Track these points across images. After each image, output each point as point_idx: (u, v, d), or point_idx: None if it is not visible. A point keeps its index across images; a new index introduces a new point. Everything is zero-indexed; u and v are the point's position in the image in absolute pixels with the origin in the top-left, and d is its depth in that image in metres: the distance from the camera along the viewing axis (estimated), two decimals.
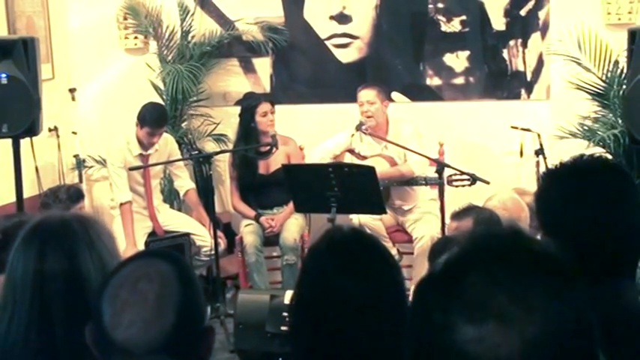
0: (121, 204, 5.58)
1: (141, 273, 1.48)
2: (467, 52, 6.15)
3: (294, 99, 6.39)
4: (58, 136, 6.28)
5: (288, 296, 3.03)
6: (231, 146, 6.10)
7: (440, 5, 6.15)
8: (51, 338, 1.66)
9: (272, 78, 6.46)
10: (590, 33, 5.58)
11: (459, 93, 6.22)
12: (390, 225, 5.72)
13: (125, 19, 6.46)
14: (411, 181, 5.65)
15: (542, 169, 5.36)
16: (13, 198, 4.98)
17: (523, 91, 6.11)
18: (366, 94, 5.65)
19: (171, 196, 6.20)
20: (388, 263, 1.74)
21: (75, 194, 5.21)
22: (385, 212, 5.25)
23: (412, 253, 5.59)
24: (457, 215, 3.39)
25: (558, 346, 0.91)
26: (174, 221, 5.84)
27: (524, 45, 6.06)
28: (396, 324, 1.52)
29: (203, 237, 5.67)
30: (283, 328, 3.40)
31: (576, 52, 5.59)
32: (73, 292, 1.68)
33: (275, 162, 5.75)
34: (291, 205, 5.62)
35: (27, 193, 5.15)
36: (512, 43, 6.08)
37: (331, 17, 6.31)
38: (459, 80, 6.20)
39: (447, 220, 4.08)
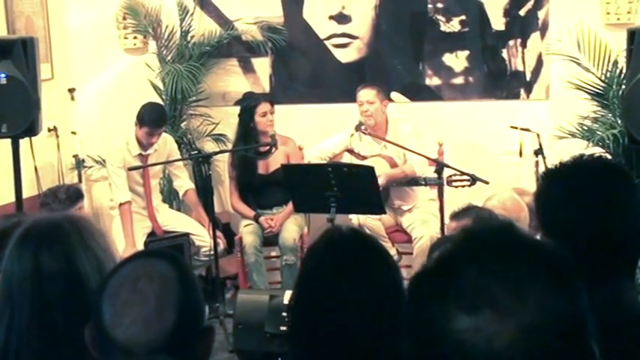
0: (121, 204, 5.58)
1: (141, 273, 1.48)
2: (466, 52, 6.15)
3: (294, 99, 6.39)
4: (57, 136, 6.28)
5: (287, 296, 3.03)
6: (230, 146, 6.10)
7: (439, 5, 6.15)
8: (53, 341, 1.65)
9: (271, 78, 6.46)
10: (589, 33, 5.59)
11: (458, 93, 6.22)
12: (390, 225, 5.72)
13: (124, 18, 6.46)
14: (411, 182, 5.65)
15: (542, 169, 5.36)
16: (12, 198, 4.98)
17: (522, 91, 6.11)
18: (366, 94, 5.65)
19: (171, 196, 6.20)
20: (387, 263, 1.74)
21: (74, 194, 5.20)
22: (384, 212, 5.25)
23: (411, 253, 5.59)
24: (456, 215, 3.38)
25: (553, 335, 0.92)
26: (173, 221, 5.84)
27: (524, 45, 6.06)
28: (395, 324, 1.52)
29: (202, 237, 5.67)
30: (282, 328, 3.39)
31: (575, 52, 5.59)
32: (72, 292, 1.67)
33: (274, 162, 5.75)
34: (290, 205, 5.62)
35: (26, 193, 5.14)
36: (511, 43, 6.08)
37: (330, 17, 6.31)
38: (459, 80, 6.19)
39: (447, 221, 4.08)
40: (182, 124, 6.34)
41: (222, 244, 5.63)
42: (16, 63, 4.70)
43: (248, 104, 5.85)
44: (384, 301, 1.63)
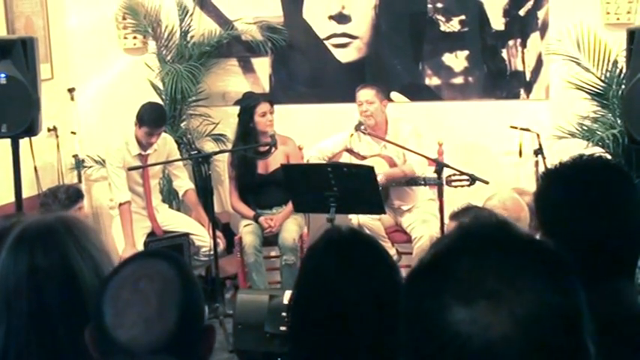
0: (120, 204, 5.58)
1: (141, 273, 1.48)
2: (466, 52, 6.15)
3: (294, 99, 6.39)
4: (57, 136, 6.28)
5: (287, 296, 3.03)
6: (230, 146, 6.10)
7: (439, 5, 6.15)
8: (53, 344, 1.65)
9: (271, 78, 6.46)
10: (589, 33, 5.59)
11: (458, 93, 6.22)
12: (389, 225, 5.72)
13: (124, 18, 6.46)
14: (410, 181, 5.65)
15: (542, 169, 5.37)
16: (12, 198, 4.98)
17: (522, 91, 6.11)
18: (365, 94, 5.65)
19: (170, 196, 6.20)
20: (386, 264, 1.74)
21: (74, 194, 5.21)
22: (384, 212, 5.25)
23: (411, 253, 5.59)
24: (456, 215, 3.38)
25: (548, 328, 0.92)
26: (173, 221, 5.84)
27: (524, 45, 6.06)
28: (395, 324, 1.52)
29: (202, 237, 5.67)
30: (282, 328, 3.40)
31: (575, 52, 5.59)
32: (69, 294, 1.67)
33: (274, 162, 5.75)
34: (290, 205, 5.62)
35: (26, 193, 5.14)
36: (511, 42, 6.08)
37: (330, 17, 6.31)
38: (458, 80, 6.20)
39: (446, 221, 4.08)
40: (182, 124, 6.34)
41: (221, 244, 5.63)
42: (15, 63, 4.70)
43: (247, 104, 5.85)
44: (383, 301, 1.63)
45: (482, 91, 6.18)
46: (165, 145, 5.75)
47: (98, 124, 6.54)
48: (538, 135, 5.66)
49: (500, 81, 6.14)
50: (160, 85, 6.27)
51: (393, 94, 6.19)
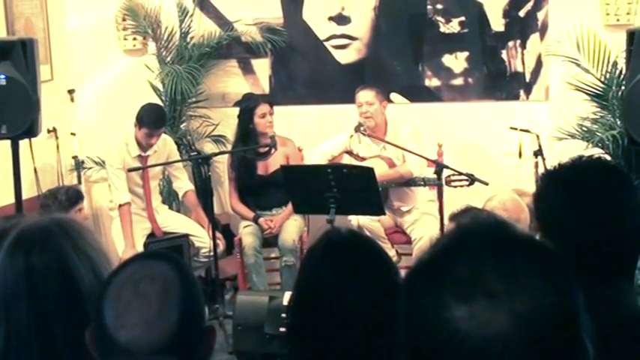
0: (120, 205, 5.58)
1: (142, 274, 1.48)
2: (466, 53, 6.16)
3: (293, 100, 6.39)
4: (56, 138, 6.28)
5: (286, 297, 3.04)
6: (230, 147, 6.10)
7: (439, 6, 6.15)
8: (52, 346, 1.65)
9: (271, 79, 6.46)
10: (588, 34, 5.59)
11: (457, 94, 6.22)
12: (389, 226, 5.72)
13: (124, 20, 6.46)
14: (410, 182, 5.64)
15: (541, 170, 5.37)
16: (12, 199, 4.98)
17: (522, 92, 6.12)
18: (365, 95, 5.65)
19: (170, 198, 6.20)
20: (385, 265, 1.74)
21: (74, 195, 5.21)
22: (384, 213, 5.25)
23: (411, 255, 5.59)
24: (455, 217, 3.39)
25: (546, 325, 0.93)
26: (173, 222, 5.84)
27: (523, 46, 6.06)
28: (394, 325, 1.52)
29: (202, 238, 5.67)
30: (282, 329, 3.39)
31: (575, 53, 5.59)
32: (67, 295, 1.67)
33: (274, 163, 5.75)
34: (289, 206, 5.62)
35: (26, 194, 5.14)
36: (511, 44, 6.08)
37: (330, 18, 6.31)
38: (458, 81, 6.20)
39: (446, 221, 4.08)
40: (181, 126, 6.34)
41: (221, 245, 5.63)
42: (15, 64, 4.70)
43: (247, 105, 5.85)
44: (382, 303, 1.63)
45: (482, 92, 6.18)
46: (165, 146, 5.75)
47: (98, 125, 6.54)
48: (538, 136, 5.66)
49: (500, 82, 6.14)
50: (160, 87, 6.27)
51: (393, 96, 6.19)
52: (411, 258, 5.57)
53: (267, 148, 5.74)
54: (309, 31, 6.36)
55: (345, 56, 6.34)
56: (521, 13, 6.05)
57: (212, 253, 5.42)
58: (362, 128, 5.52)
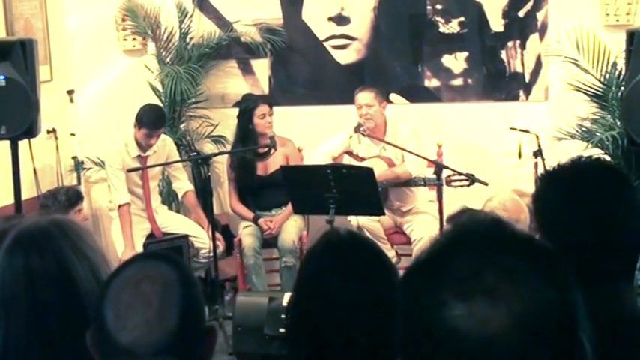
0: (120, 206, 5.58)
1: (142, 275, 1.48)
2: (465, 54, 6.16)
3: (293, 100, 6.39)
4: (56, 138, 6.28)
5: (286, 298, 3.04)
6: (229, 148, 6.10)
7: (438, 7, 6.15)
8: (51, 346, 1.65)
9: (270, 79, 6.46)
10: (588, 34, 5.59)
11: (457, 94, 6.22)
12: (389, 226, 5.72)
13: (123, 20, 6.46)
14: (410, 183, 5.64)
15: (541, 170, 5.37)
16: (11, 200, 4.98)
17: (521, 93, 6.12)
18: (364, 97, 5.64)
19: (170, 198, 6.19)
20: (385, 266, 1.74)
21: (74, 196, 5.21)
22: (384, 214, 5.25)
23: (411, 255, 5.59)
24: (451, 219, 3.38)
25: (544, 324, 0.93)
26: (172, 223, 5.84)
27: (523, 46, 6.06)
28: (393, 326, 1.52)
29: (201, 239, 5.67)
30: (282, 330, 3.39)
31: (574, 54, 5.59)
32: (66, 296, 1.67)
33: (273, 163, 5.75)
34: (289, 206, 5.62)
35: (25, 195, 5.14)
36: (510, 44, 6.08)
37: (329, 19, 6.31)
38: (458, 81, 6.20)
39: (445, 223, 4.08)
40: (181, 126, 6.34)
41: (221, 246, 5.63)
42: (15, 65, 4.70)
43: (246, 106, 5.85)
44: (382, 304, 1.62)
45: (482, 92, 6.18)
46: (165, 146, 5.75)
47: (97, 125, 6.54)
48: (537, 136, 5.66)
49: (500, 82, 6.14)
50: (160, 87, 6.27)
51: (393, 96, 6.19)
52: (410, 258, 5.57)
53: (266, 149, 5.74)
54: (309, 31, 6.36)
55: (345, 57, 6.34)
56: (521, 14, 6.05)
57: (212, 254, 5.42)
58: (361, 129, 5.52)
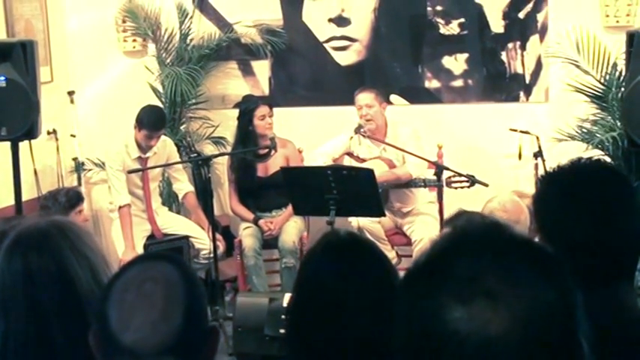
0: (120, 207, 5.58)
1: (146, 276, 1.48)
2: (465, 55, 6.16)
3: (293, 102, 6.39)
4: (56, 139, 6.28)
5: (286, 299, 3.03)
6: (229, 149, 6.10)
7: (438, 8, 6.15)
8: (51, 347, 1.65)
9: (271, 81, 6.46)
10: (588, 35, 5.59)
11: (457, 95, 6.22)
12: (389, 228, 5.72)
13: (124, 21, 6.46)
14: (410, 184, 5.64)
15: (541, 171, 5.37)
16: (11, 201, 4.98)
17: (522, 94, 6.12)
18: (364, 98, 5.64)
19: (170, 199, 6.19)
20: (384, 267, 1.74)
21: (74, 197, 5.21)
22: (384, 215, 5.25)
23: (411, 256, 5.59)
24: (448, 222, 3.38)
25: (545, 326, 0.93)
26: (173, 224, 5.84)
27: (523, 47, 6.06)
28: (392, 328, 1.52)
29: (202, 240, 5.67)
30: (282, 331, 3.40)
31: (575, 55, 5.59)
32: (65, 297, 1.67)
33: (274, 165, 5.75)
34: (289, 207, 5.62)
35: (26, 195, 5.15)
36: (510, 45, 6.08)
37: (330, 20, 6.31)
38: (458, 83, 6.20)
39: None
40: (181, 127, 6.34)
41: (221, 247, 5.63)
42: (15, 66, 4.71)
43: (247, 107, 5.85)
44: (381, 305, 1.63)
45: (482, 93, 6.18)
46: (165, 147, 5.75)
47: (98, 126, 6.54)
48: (537, 137, 5.65)
49: (500, 84, 6.14)
50: (160, 88, 6.27)
51: (393, 97, 6.19)
52: (411, 259, 5.57)
53: (266, 150, 5.74)
54: (309, 32, 6.36)
55: (345, 58, 6.34)
56: (521, 15, 6.05)
57: (212, 255, 5.42)
58: (362, 130, 5.53)
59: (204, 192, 5.64)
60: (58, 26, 6.45)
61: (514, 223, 3.40)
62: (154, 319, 1.44)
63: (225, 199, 6.31)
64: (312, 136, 6.09)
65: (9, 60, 4.71)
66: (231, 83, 6.50)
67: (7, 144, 4.84)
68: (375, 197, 4.92)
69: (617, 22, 5.80)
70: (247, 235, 5.74)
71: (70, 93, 6.54)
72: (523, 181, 5.91)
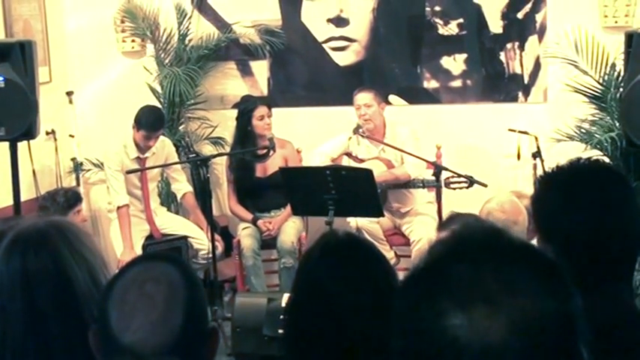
0: (119, 207, 5.58)
1: (146, 276, 1.48)
2: (464, 55, 6.16)
3: (292, 102, 6.39)
4: (55, 140, 6.27)
5: (285, 299, 3.04)
6: (228, 149, 6.10)
7: (437, 8, 6.15)
8: (49, 348, 1.65)
9: (269, 81, 6.46)
10: (587, 36, 5.59)
11: (456, 96, 6.22)
12: (388, 228, 5.72)
13: (122, 22, 6.46)
14: (409, 184, 5.65)
15: (540, 172, 5.37)
16: (10, 201, 4.97)
17: (520, 94, 6.12)
18: (363, 98, 5.65)
19: (169, 200, 6.19)
20: (383, 268, 1.74)
21: (73, 197, 5.21)
22: (383, 215, 5.25)
23: (410, 256, 5.59)
24: (442, 225, 3.38)
25: (544, 333, 0.92)
26: (171, 224, 5.84)
27: (522, 48, 6.06)
28: (390, 329, 1.52)
29: (200, 240, 5.67)
30: (280, 331, 3.39)
31: (573, 55, 5.59)
32: (63, 297, 1.67)
33: (272, 165, 5.75)
34: (288, 208, 5.62)
35: (24, 196, 5.14)
36: (509, 46, 6.09)
37: (328, 20, 6.31)
38: (457, 83, 6.20)
39: None
40: (180, 128, 6.34)
41: (220, 247, 5.63)
42: (14, 66, 4.70)
43: (245, 107, 5.85)
44: (380, 306, 1.62)
45: (481, 94, 6.19)
46: (164, 148, 5.75)
47: (96, 127, 6.54)
48: (536, 138, 5.66)
49: (499, 84, 6.15)
50: (159, 89, 6.27)
51: (391, 98, 6.19)
52: (409, 260, 5.57)
53: (265, 150, 5.74)
54: (308, 33, 6.36)
55: (344, 58, 6.34)
56: (520, 15, 6.05)
57: (211, 255, 5.42)
58: (361, 130, 5.53)
59: (203, 192, 5.64)
60: (57, 26, 6.44)
61: (512, 224, 3.41)
62: (154, 320, 1.44)
63: (224, 200, 6.30)
64: (310, 136, 6.09)
65: (7, 60, 4.70)
66: (229, 83, 6.50)
67: (6, 144, 4.83)
68: (373, 197, 4.92)
69: (616, 22, 5.80)
70: (246, 236, 5.74)
71: (69, 93, 6.54)
72: (522, 182, 5.91)
